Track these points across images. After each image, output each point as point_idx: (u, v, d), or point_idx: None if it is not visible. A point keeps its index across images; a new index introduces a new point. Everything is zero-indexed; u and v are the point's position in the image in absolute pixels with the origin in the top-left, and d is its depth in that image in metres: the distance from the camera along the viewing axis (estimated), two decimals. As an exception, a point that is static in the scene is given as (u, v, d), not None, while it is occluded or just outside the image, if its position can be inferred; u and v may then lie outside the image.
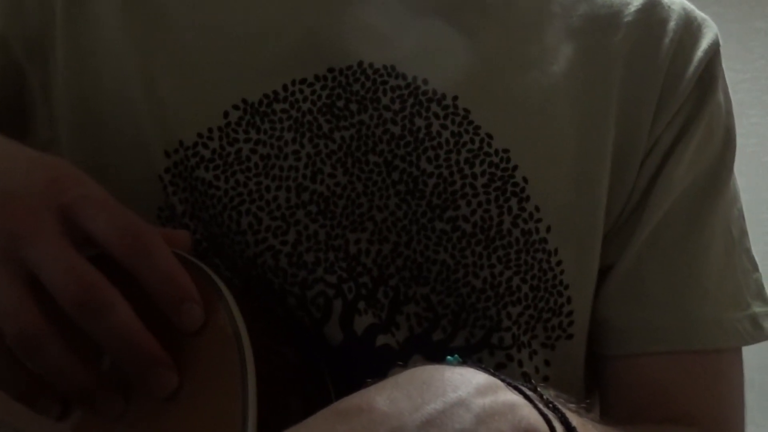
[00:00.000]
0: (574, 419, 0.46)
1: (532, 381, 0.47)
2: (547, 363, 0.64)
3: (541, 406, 0.44)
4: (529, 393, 0.44)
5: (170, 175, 0.61)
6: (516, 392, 0.44)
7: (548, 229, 0.63)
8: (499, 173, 0.62)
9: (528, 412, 0.43)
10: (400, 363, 0.60)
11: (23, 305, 0.47)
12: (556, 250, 0.63)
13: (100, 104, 0.62)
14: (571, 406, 0.48)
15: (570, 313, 0.64)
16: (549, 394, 0.46)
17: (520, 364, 0.63)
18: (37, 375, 0.48)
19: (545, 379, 0.64)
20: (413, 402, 0.41)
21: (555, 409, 0.45)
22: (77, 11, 0.63)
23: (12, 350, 0.47)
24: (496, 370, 0.61)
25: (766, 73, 2.25)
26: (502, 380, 0.44)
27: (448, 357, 0.46)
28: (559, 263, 0.63)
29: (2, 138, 0.55)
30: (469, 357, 0.62)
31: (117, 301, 0.47)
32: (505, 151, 0.63)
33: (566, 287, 0.64)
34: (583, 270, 0.64)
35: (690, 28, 0.68)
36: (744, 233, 0.70)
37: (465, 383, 0.42)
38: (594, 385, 0.69)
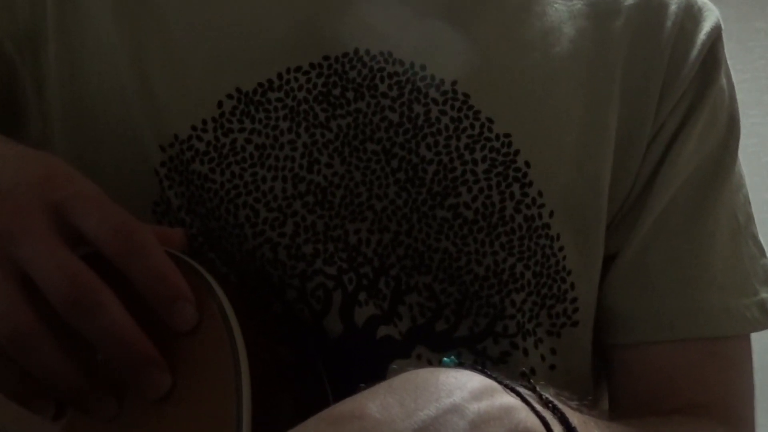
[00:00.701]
0: (575, 418, 0.45)
1: (531, 380, 0.46)
2: (553, 351, 0.64)
3: (538, 407, 0.43)
4: (526, 394, 0.43)
5: (166, 169, 0.60)
6: (513, 394, 0.43)
7: (551, 215, 0.62)
8: (500, 158, 0.61)
9: (525, 416, 0.42)
10: (402, 356, 0.60)
11: (15, 304, 0.46)
12: (558, 236, 0.62)
13: (93, 99, 0.61)
14: (573, 403, 0.47)
15: (574, 300, 0.63)
16: (549, 393, 0.46)
17: (526, 352, 0.62)
18: (32, 374, 0.48)
19: (552, 367, 0.63)
20: (406, 408, 0.40)
21: (554, 409, 0.44)
22: (69, 6, 0.62)
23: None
24: (502, 358, 0.61)
25: (766, 73, 2.22)
26: (499, 382, 0.43)
27: (445, 359, 0.45)
28: (561, 249, 0.62)
29: None
30: (474, 346, 0.61)
31: (109, 301, 0.46)
32: (506, 135, 0.62)
33: (569, 273, 0.63)
34: (586, 256, 0.63)
35: (691, 12, 0.66)
36: (750, 219, 0.68)
37: (459, 387, 0.41)
38: (602, 375, 0.68)
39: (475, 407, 0.41)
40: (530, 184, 0.62)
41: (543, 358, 0.63)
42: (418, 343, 0.61)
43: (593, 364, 0.67)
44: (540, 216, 0.62)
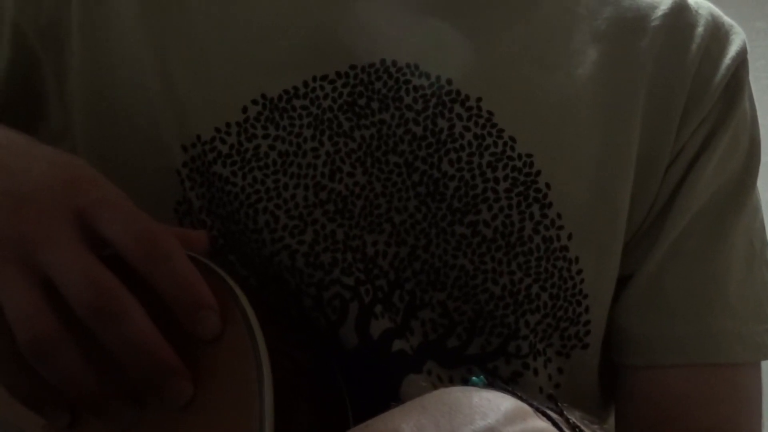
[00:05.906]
0: None
1: (558, 403, 0.45)
2: (560, 371, 0.63)
3: None
4: (556, 418, 0.43)
5: (188, 170, 0.60)
6: (544, 418, 0.43)
7: (569, 237, 0.62)
8: (521, 178, 0.61)
9: None
10: (414, 371, 0.59)
11: (38, 310, 0.45)
12: (577, 259, 0.62)
13: (115, 95, 0.61)
14: (595, 427, 0.47)
15: (587, 323, 0.63)
16: (575, 416, 0.45)
17: (536, 372, 0.62)
18: (47, 382, 0.47)
19: (557, 386, 0.63)
20: (441, 430, 0.40)
21: None
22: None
23: (23, 356, 0.46)
24: (512, 378, 0.61)
25: (766, 73, 2.23)
26: (530, 404, 0.43)
27: (473, 378, 0.45)
28: (579, 272, 0.62)
29: (18, 136, 0.53)
30: (485, 365, 0.61)
31: (133, 309, 0.46)
32: (529, 155, 0.61)
33: (585, 296, 0.63)
34: (602, 279, 0.63)
35: (717, 35, 0.66)
36: (765, 245, 0.68)
37: (493, 410, 0.41)
38: (608, 394, 0.68)
39: (509, 430, 0.40)
40: (550, 205, 0.61)
41: (550, 377, 0.63)
42: (428, 358, 0.60)
43: (600, 383, 0.66)
44: (558, 238, 0.61)
